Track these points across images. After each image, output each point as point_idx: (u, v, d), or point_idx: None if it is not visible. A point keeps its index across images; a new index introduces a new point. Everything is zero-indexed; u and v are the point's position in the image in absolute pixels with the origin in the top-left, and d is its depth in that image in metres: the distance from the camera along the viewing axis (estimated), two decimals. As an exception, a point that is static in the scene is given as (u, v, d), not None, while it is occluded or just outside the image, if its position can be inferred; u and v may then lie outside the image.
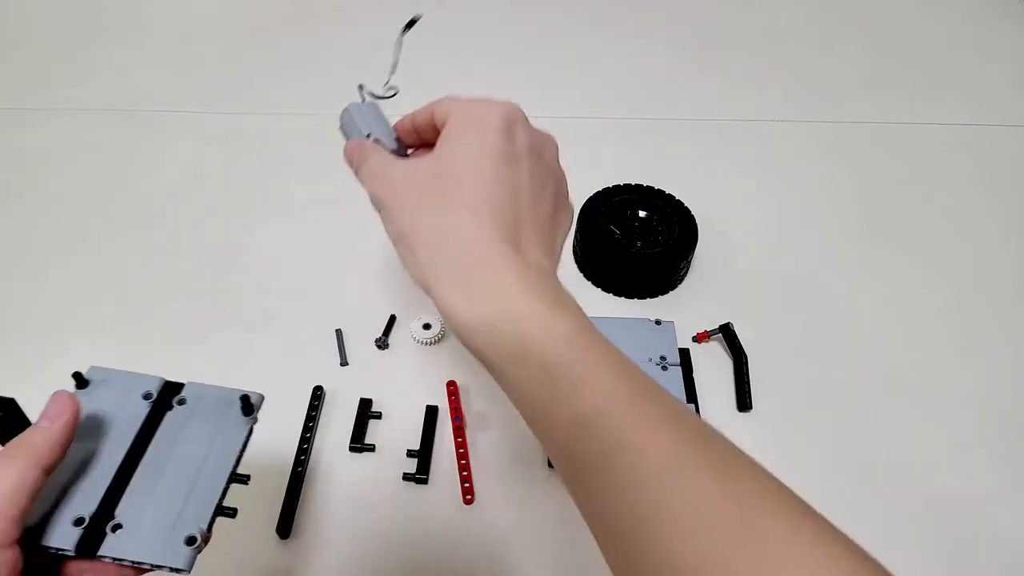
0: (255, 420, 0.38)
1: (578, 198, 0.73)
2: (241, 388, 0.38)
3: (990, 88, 0.96)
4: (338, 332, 0.66)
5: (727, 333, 0.65)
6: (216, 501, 0.34)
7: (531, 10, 1.10)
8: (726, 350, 0.65)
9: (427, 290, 0.32)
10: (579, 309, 0.32)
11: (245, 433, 0.37)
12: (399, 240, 0.34)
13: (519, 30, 1.07)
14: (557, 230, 0.37)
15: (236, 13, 1.10)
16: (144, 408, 0.37)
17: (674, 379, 0.61)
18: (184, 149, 0.87)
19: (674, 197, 0.73)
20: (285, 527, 0.53)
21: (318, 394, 0.61)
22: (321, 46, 1.03)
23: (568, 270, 0.73)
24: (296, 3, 1.12)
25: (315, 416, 0.60)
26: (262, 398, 0.38)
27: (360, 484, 0.57)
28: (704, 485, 0.27)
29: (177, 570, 0.32)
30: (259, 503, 0.55)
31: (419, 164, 0.35)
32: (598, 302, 0.70)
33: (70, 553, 0.31)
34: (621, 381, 0.29)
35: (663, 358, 0.62)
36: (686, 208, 0.72)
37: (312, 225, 0.77)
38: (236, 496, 0.52)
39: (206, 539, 0.33)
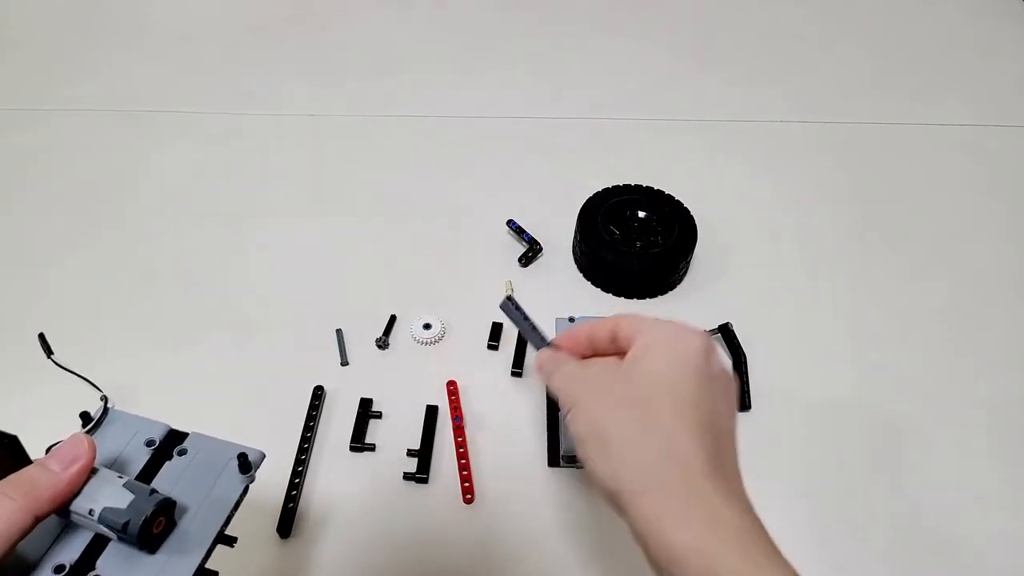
0: (252, 479, 0.36)
1: (578, 198, 0.73)
2: (245, 445, 0.36)
3: (990, 88, 0.96)
4: (338, 332, 0.66)
5: (726, 333, 0.65)
6: (198, 563, 0.32)
7: (531, 10, 1.10)
8: (725, 350, 0.65)
9: (615, 492, 0.33)
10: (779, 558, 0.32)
11: (238, 493, 0.35)
12: (590, 435, 0.34)
13: (519, 30, 1.07)
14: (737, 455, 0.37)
15: (236, 13, 1.10)
16: (144, 455, 0.36)
17: (674, 379, 0.61)
18: (184, 149, 0.87)
19: (674, 197, 0.73)
20: (285, 527, 0.53)
21: (318, 394, 0.61)
22: (321, 46, 1.03)
23: (568, 270, 0.73)
24: (296, 3, 1.12)
25: (315, 416, 0.60)
26: (262, 456, 0.36)
27: (360, 484, 0.57)
28: None
29: None
30: (259, 503, 0.55)
31: (614, 367, 0.37)
32: (598, 302, 0.70)
33: None
34: None
35: (663, 358, 0.62)
36: (685, 208, 0.72)
37: (312, 225, 0.77)
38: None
39: None
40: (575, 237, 0.72)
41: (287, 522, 0.53)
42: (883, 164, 0.85)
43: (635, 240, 0.70)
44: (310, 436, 0.59)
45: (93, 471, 0.31)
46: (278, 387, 0.62)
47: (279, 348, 0.66)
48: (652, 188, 0.74)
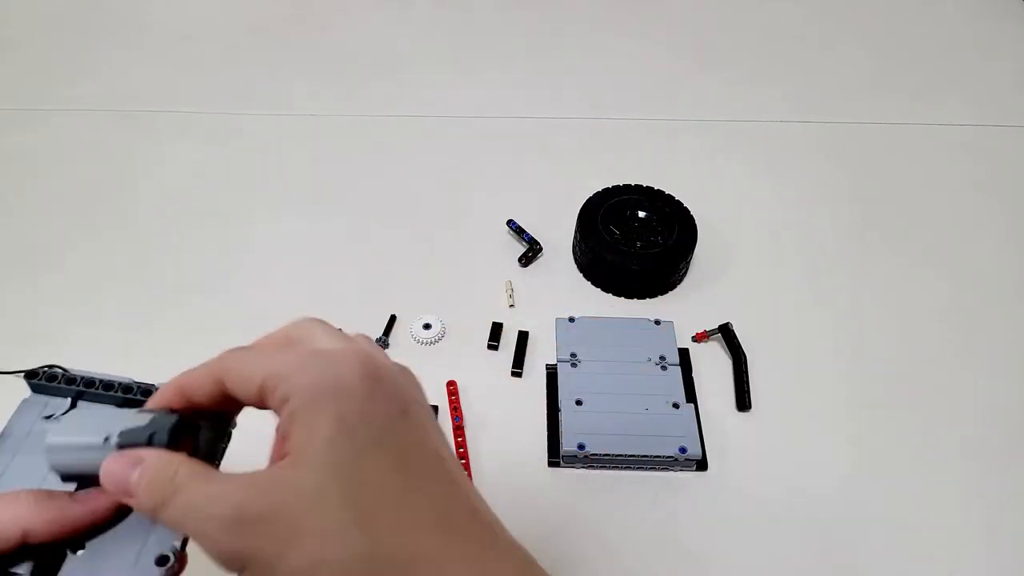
0: (234, 425, 0.34)
1: (578, 198, 0.73)
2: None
3: (990, 88, 0.96)
4: (338, 332, 0.66)
5: (726, 333, 0.65)
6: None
7: (531, 10, 1.10)
8: (725, 350, 0.65)
9: None
10: None
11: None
12: None
13: (519, 30, 1.07)
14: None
15: (236, 13, 1.10)
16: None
17: (674, 379, 0.61)
18: (184, 149, 0.87)
19: (674, 197, 0.73)
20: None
21: (318, 394, 0.61)
22: (321, 46, 1.03)
23: (568, 270, 0.73)
24: (296, 3, 1.12)
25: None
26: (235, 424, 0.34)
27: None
28: None
29: None
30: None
31: (240, 503, 0.23)
32: (598, 302, 0.70)
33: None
34: None
35: (663, 358, 0.62)
36: (685, 208, 0.72)
37: (312, 225, 0.77)
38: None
39: (180, 559, 0.29)
40: (575, 237, 0.72)
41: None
42: (883, 164, 0.85)
43: (635, 240, 0.70)
44: (310, 436, 0.59)
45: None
46: (278, 387, 0.62)
47: (279, 348, 0.66)
48: (652, 188, 0.74)
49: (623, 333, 0.64)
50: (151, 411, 0.29)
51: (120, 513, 0.29)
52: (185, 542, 0.30)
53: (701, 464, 0.57)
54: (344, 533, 0.22)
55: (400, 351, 0.66)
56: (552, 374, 0.63)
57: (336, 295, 0.70)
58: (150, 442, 0.27)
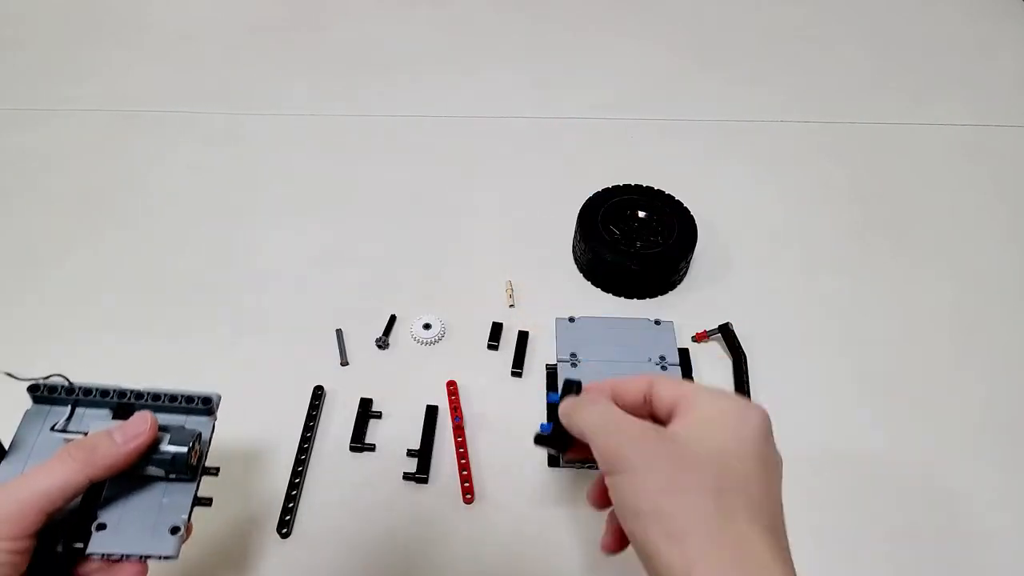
0: (215, 418, 0.40)
1: (578, 198, 0.73)
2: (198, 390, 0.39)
3: (990, 88, 0.96)
4: (338, 332, 0.66)
5: (726, 333, 0.65)
6: (192, 494, 0.36)
7: (531, 10, 1.10)
8: (725, 350, 0.65)
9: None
10: None
11: (209, 430, 0.39)
12: (653, 514, 0.30)
13: (519, 30, 1.07)
14: None
15: (236, 13, 1.10)
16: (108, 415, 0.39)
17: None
18: (184, 149, 0.87)
19: (674, 197, 0.73)
20: (285, 527, 0.53)
21: (318, 394, 0.61)
22: (321, 46, 1.03)
23: (568, 270, 0.73)
24: (296, 3, 1.12)
25: (315, 416, 0.60)
26: (219, 397, 0.40)
27: (360, 484, 0.57)
28: None
29: (166, 557, 0.34)
30: (260, 502, 0.55)
31: (664, 433, 0.33)
32: (598, 302, 0.70)
33: (60, 552, 0.33)
34: None
35: (663, 358, 0.62)
36: (686, 208, 0.72)
37: (312, 225, 0.77)
38: (236, 493, 0.52)
39: (188, 528, 0.35)
40: (575, 237, 0.72)
41: (287, 522, 0.53)
42: (883, 164, 0.85)
43: (635, 240, 0.70)
44: (310, 436, 0.59)
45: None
46: (278, 387, 0.62)
47: (279, 348, 0.66)
48: (652, 188, 0.74)
49: (623, 333, 0.64)
50: (174, 427, 0.36)
51: (146, 453, 0.34)
52: (190, 514, 0.36)
53: (701, 464, 0.57)
54: (707, 494, 0.30)
55: (400, 351, 0.66)
56: (552, 374, 0.63)
57: (336, 295, 0.70)
58: (173, 463, 0.35)
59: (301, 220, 0.78)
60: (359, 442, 0.59)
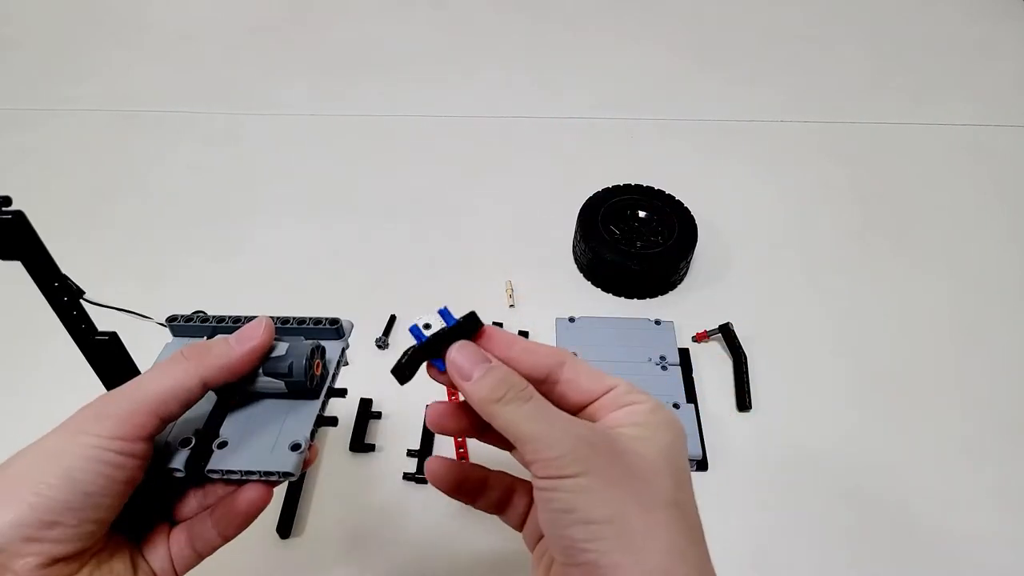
0: (347, 343, 0.38)
1: (578, 198, 0.73)
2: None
3: (990, 88, 0.96)
4: (338, 332, 0.66)
5: (726, 333, 0.65)
6: (315, 412, 0.34)
7: (531, 11, 1.10)
8: (726, 350, 0.65)
9: None
10: None
11: (337, 352, 0.37)
12: (613, 522, 0.27)
13: (519, 30, 1.07)
14: None
15: (236, 13, 1.10)
16: None
17: (674, 379, 0.61)
18: (184, 149, 0.87)
19: (674, 197, 0.73)
20: (285, 527, 0.53)
21: (318, 394, 0.61)
22: (321, 46, 1.03)
23: (568, 270, 0.73)
24: (296, 3, 1.12)
25: (315, 416, 0.60)
26: (351, 323, 0.39)
27: (360, 484, 0.57)
28: None
29: (286, 475, 0.32)
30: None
31: (611, 435, 0.30)
32: (598, 302, 0.70)
33: (180, 473, 0.31)
34: None
35: (663, 358, 0.62)
36: (686, 208, 0.72)
37: (312, 225, 0.77)
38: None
39: (312, 449, 0.34)
40: (575, 237, 0.72)
41: (287, 522, 0.53)
42: (883, 164, 0.85)
43: (635, 240, 0.70)
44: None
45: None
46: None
47: (279, 348, 0.66)
48: (652, 188, 0.74)
49: (623, 333, 0.64)
50: (292, 339, 0.35)
51: (263, 358, 0.33)
52: (314, 432, 0.34)
53: (701, 464, 0.57)
54: (665, 490, 0.29)
55: (400, 351, 0.66)
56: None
57: (336, 295, 0.70)
58: (290, 373, 0.33)
59: (301, 220, 0.78)
60: (359, 442, 0.58)
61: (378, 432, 0.60)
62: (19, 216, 0.37)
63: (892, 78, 0.98)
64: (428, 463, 0.37)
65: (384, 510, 0.55)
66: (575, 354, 0.34)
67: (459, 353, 0.32)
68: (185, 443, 0.32)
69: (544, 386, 0.32)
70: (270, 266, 0.73)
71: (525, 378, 0.32)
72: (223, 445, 0.33)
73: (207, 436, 0.33)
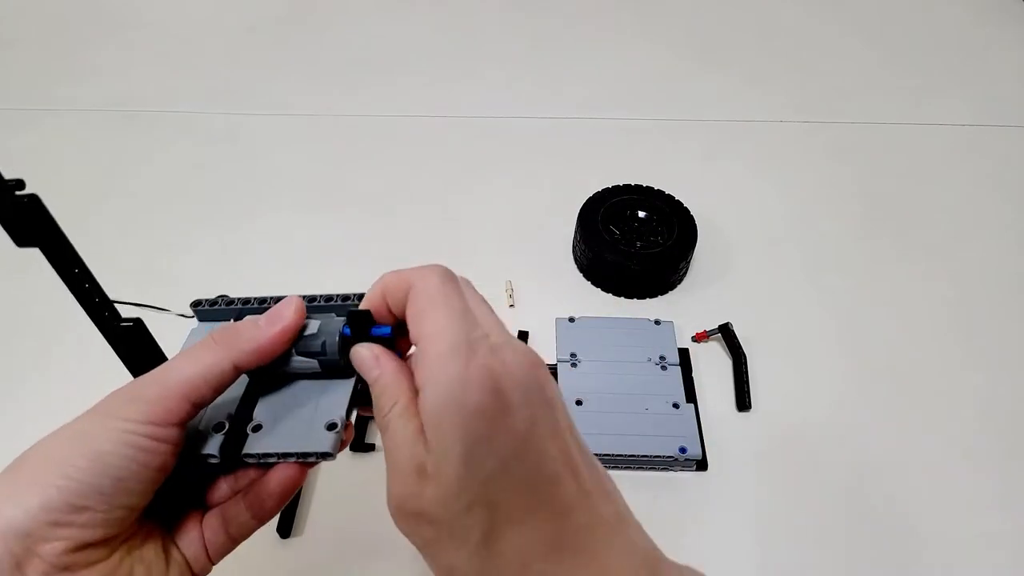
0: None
1: (578, 198, 0.73)
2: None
3: (990, 88, 0.96)
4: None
5: (726, 333, 0.65)
6: (351, 390, 0.33)
7: (530, 10, 1.10)
8: (725, 350, 0.65)
9: None
10: None
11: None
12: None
13: (519, 30, 1.07)
14: None
15: (236, 13, 1.10)
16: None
17: (673, 379, 0.61)
18: (184, 149, 0.87)
19: (674, 197, 0.73)
20: (285, 526, 0.53)
21: (318, 394, 0.61)
22: (321, 46, 1.03)
23: (568, 270, 0.73)
24: (296, 3, 1.12)
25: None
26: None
27: (360, 484, 0.57)
28: None
29: (324, 455, 0.31)
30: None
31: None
32: (598, 302, 0.70)
33: (215, 460, 0.31)
34: None
35: (663, 358, 0.62)
36: (686, 208, 0.72)
37: (312, 225, 0.77)
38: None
39: (347, 427, 0.33)
40: (575, 237, 0.72)
41: (287, 522, 0.53)
42: (883, 164, 0.85)
43: (635, 240, 0.70)
44: (310, 436, 0.59)
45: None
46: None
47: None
48: (652, 188, 0.74)
49: (623, 333, 0.64)
50: (324, 316, 0.34)
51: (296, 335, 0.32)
52: (350, 410, 0.33)
53: (701, 464, 0.57)
54: (471, 553, 0.27)
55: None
56: (552, 374, 0.63)
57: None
58: (323, 350, 0.32)
59: (300, 220, 0.78)
60: (359, 442, 0.58)
61: (378, 432, 0.60)
62: (34, 199, 0.37)
63: (892, 78, 0.98)
64: None
65: (384, 510, 0.55)
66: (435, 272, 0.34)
67: (356, 357, 0.32)
68: (218, 428, 0.31)
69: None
70: (269, 266, 0.73)
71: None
72: (257, 428, 0.32)
73: (241, 420, 0.32)
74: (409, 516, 0.29)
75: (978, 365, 0.65)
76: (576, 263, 0.73)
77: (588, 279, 0.72)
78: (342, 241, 0.76)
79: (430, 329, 0.29)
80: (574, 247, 0.74)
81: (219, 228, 0.77)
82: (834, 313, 0.69)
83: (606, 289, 0.71)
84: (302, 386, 0.33)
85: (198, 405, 0.29)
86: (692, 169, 0.84)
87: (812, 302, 0.70)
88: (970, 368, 0.65)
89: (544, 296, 0.70)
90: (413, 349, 0.30)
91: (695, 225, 0.71)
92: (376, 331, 0.32)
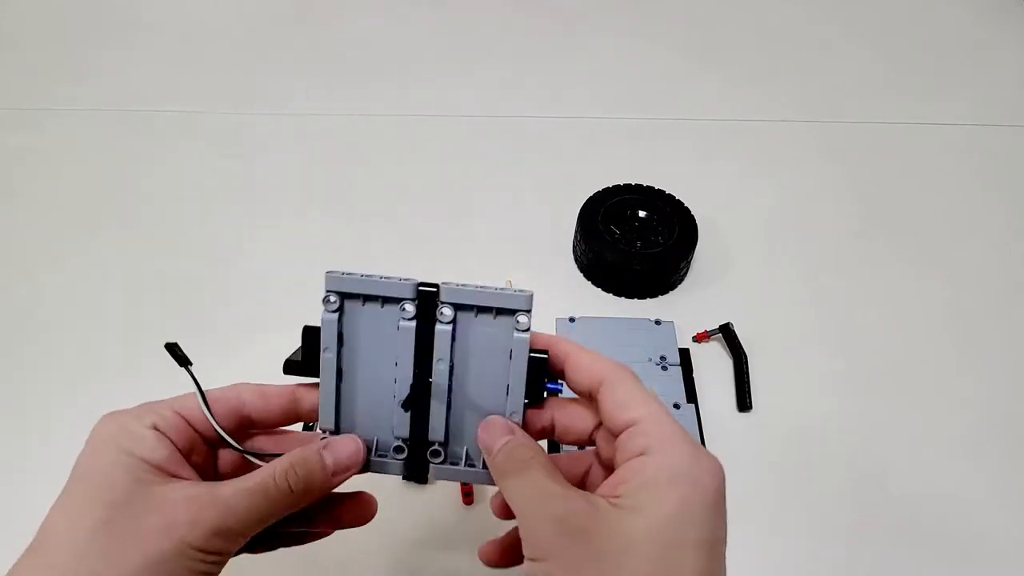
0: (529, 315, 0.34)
1: (578, 198, 0.73)
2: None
3: (990, 88, 0.96)
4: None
5: (727, 333, 0.65)
6: (523, 381, 0.32)
7: (530, 10, 1.10)
8: (726, 350, 0.65)
9: None
10: None
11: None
12: None
13: (519, 30, 1.07)
14: None
15: (236, 13, 1.09)
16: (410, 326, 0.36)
17: (674, 379, 0.61)
18: (184, 149, 0.87)
19: (674, 197, 0.73)
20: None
21: (318, 394, 0.61)
22: (321, 46, 1.03)
23: (568, 270, 0.73)
24: (296, 2, 1.12)
25: (316, 416, 0.60)
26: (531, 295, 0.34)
27: (360, 484, 0.57)
28: None
29: None
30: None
31: (592, 515, 0.27)
32: (598, 302, 0.70)
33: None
34: None
35: (663, 358, 0.62)
36: (686, 208, 0.72)
37: (312, 225, 0.77)
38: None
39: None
40: (575, 237, 0.72)
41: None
42: (883, 164, 0.85)
43: (635, 240, 0.70)
44: (310, 436, 0.59)
45: None
46: (278, 387, 0.62)
47: (279, 348, 0.66)
48: (652, 188, 0.74)
49: (623, 333, 0.64)
50: None
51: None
52: (526, 404, 0.33)
53: (701, 464, 0.57)
54: None
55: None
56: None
57: (336, 295, 0.70)
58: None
59: (301, 219, 0.78)
60: (359, 442, 0.58)
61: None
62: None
63: (892, 78, 0.98)
64: (481, 552, 0.36)
65: (384, 510, 0.55)
66: (626, 368, 0.33)
67: (484, 431, 0.33)
68: (398, 451, 0.34)
69: (594, 404, 0.32)
70: (270, 266, 0.73)
71: (576, 392, 0.32)
72: (436, 453, 0.34)
73: (419, 441, 0.33)
74: (575, 531, 0.27)
75: (978, 365, 0.65)
76: (576, 263, 0.73)
77: (588, 279, 0.72)
78: (342, 240, 0.76)
79: (647, 410, 0.30)
80: (574, 247, 0.74)
81: (219, 228, 0.77)
82: (835, 313, 0.69)
83: (606, 289, 0.71)
84: (476, 388, 0.34)
85: (244, 539, 0.31)
86: (693, 169, 0.84)
87: (813, 302, 0.70)
88: (971, 368, 0.65)
89: (544, 296, 0.70)
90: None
91: (696, 225, 0.71)
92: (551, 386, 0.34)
